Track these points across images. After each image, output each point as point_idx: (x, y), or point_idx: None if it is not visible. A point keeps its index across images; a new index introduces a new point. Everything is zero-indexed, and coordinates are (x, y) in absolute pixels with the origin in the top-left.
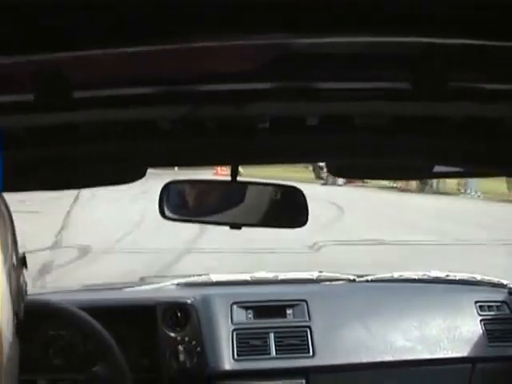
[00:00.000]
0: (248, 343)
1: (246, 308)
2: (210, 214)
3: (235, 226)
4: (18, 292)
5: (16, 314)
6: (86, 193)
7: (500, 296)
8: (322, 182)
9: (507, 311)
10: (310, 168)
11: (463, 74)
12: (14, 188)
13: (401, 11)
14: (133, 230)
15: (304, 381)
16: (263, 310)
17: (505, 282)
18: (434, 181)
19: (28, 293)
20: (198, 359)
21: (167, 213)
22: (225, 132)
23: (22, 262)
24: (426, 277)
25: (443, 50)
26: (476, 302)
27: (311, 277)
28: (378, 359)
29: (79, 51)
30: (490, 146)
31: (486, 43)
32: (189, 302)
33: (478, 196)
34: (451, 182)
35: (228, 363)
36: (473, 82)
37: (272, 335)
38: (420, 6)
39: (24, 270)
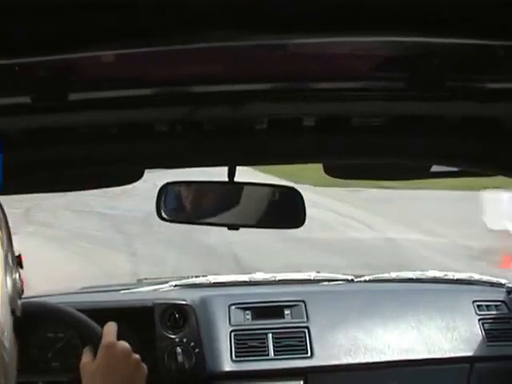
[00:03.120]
0: (246, 344)
1: (244, 309)
2: (207, 215)
3: (233, 227)
4: (14, 290)
5: (13, 312)
6: None
7: (498, 295)
8: None
9: (505, 311)
10: None
11: (461, 73)
12: (10, 190)
13: (399, 11)
14: None
15: (302, 381)
16: (261, 310)
17: (503, 281)
18: None
19: (26, 295)
20: (196, 360)
21: (164, 214)
22: (222, 133)
23: (18, 261)
24: (424, 276)
25: (441, 49)
26: (474, 302)
27: (309, 277)
28: (377, 359)
29: (76, 53)
30: (488, 145)
31: (484, 42)
32: (187, 303)
33: None
34: None
35: (226, 364)
36: (471, 81)
37: (270, 336)
38: (418, 6)
39: (20, 270)
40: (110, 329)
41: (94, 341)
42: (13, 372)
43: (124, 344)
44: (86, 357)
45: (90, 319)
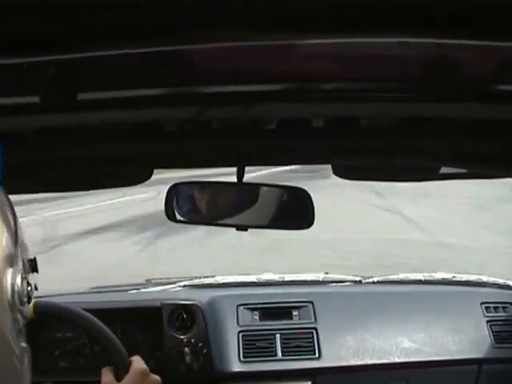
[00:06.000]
0: (254, 345)
1: (252, 310)
2: (216, 215)
3: (241, 227)
4: (21, 295)
5: (20, 317)
6: None
7: (506, 297)
8: None
9: None
10: None
11: (472, 75)
12: (20, 190)
13: (407, 12)
14: None
15: (310, 382)
16: (269, 311)
17: (511, 283)
18: None
19: (34, 294)
20: (204, 361)
21: (173, 215)
22: (231, 133)
23: (32, 265)
24: (432, 278)
25: (451, 50)
26: (482, 304)
27: (317, 278)
28: (385, 361)
29: (85, 52)
30: (499, 147)
31: (495, 44)
32: (195, 303)
33: None
34: None
35: (234, 365)
36: (481, 83)
37: (278, 337)
38: (426, 7)
39: (34, 274)
40: (140, 357)
41: (119, 363)
42: (27, 377)
43: (157, 377)
44: (108, 377)
45: (97, 319)
